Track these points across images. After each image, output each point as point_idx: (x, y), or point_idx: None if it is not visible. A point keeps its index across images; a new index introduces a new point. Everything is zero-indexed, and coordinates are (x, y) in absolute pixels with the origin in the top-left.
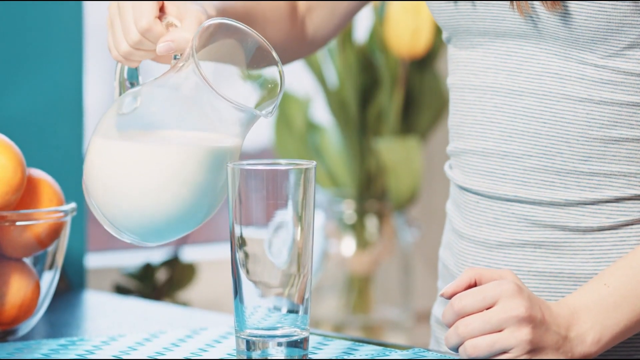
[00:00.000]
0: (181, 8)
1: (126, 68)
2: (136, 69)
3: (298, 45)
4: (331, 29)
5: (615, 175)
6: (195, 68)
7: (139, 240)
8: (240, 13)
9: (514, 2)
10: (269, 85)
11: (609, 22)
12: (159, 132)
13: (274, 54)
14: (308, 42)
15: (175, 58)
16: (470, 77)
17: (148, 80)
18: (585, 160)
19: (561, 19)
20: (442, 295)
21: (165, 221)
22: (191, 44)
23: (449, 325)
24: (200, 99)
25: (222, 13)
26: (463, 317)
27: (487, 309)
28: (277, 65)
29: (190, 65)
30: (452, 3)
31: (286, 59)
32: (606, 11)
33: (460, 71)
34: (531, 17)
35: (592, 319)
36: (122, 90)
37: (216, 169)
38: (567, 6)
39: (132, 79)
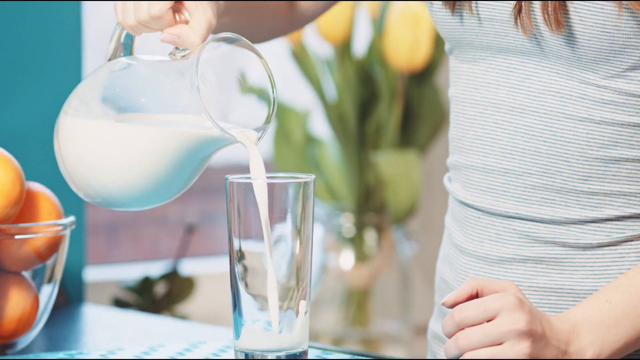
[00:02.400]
0: (197, 5)
1: (125, 32)
2: (134, 36)
3: (287, 25)
4: (317, 11)
5: (616, 194)
6: (195, 80)
7: (108, 206)
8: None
9: (518, 21)
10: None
11: (612, 44)
12: (143, 112)
13: (272, 80)
14: (295, 22)
15: (176, 48)
16: (471, 91)
17: (142, 57)
18: (585, 180)
19: (564, 39)
20: (442, 305)
21: (138, 195)
22: (196, 60)
23: (449, 336)
24: (189, 96)
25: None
26: (463, 328)
27: (488, 321)
28: (272, 91)
29: (191, 71)
30: (457, 16)
31: (272, 37)
32: (609, 32)
33: (462, 84)
34: (534, 35)
35: (592, 334)
36: (116, 53)
37: (195, 152)
38: (570, 27)
39: (127, 44)
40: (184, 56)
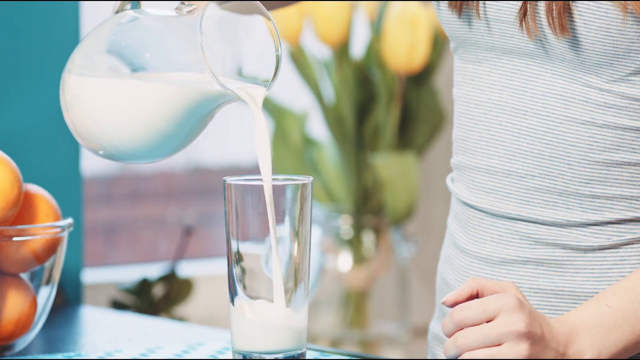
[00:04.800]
0: None
1: None
2: None
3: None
4: None
5: (617, 198)
6: (198, 37)
7: (113, 159)
8: None
9: (523, 24)
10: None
11: (616, 48)
12: (148, 68)
13: (276, 37)
14: None
15: (182, 3)
16: (476, 92)
17: (149, 11)
18: (587, 183)
19: (568, 42)
20: (442, 303)
21: (143, 149)
22: (201, 16)
23: (448, 336)
24: (194, 53)
25: None
26: (462, 328)
27: (488, 321)
28: (276, 49)
29: (195, 28)
30: (464, 17)
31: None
32: (613, 36)
33: (466, 85)
34: (539, 38)
35: (591, 338)
36: (123, 7)
37: (200, 107)
38: (574, 30)
39: None
40: (189, 11)
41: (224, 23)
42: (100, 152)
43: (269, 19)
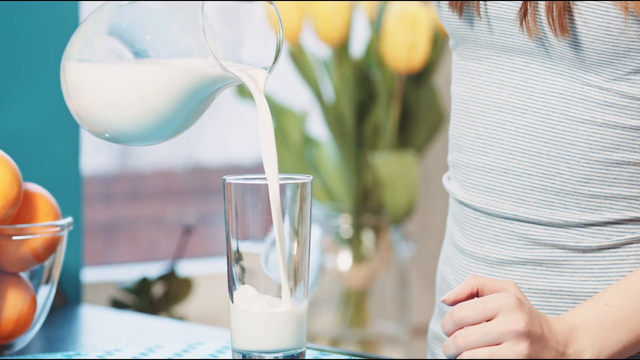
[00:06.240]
0: None
1: None
2: None
3: None
4: None
5: (616, 197)
6: (200, 21)
7: (114, 142)
8: None
9: (523, 23)
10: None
11: (616, 47)
12: (149, 51)
13: (277, 20)
14: None
15: None
16: (475, 89)
17: None
18: (586, 182)
19: (569, 41)
20: (442, 302)
21: (144, 132)
22: (202, 2)
23: (448, 335)
24: (196, 36)
25: None
26: (462, 327)
27: (487, 320)
28: (277, 32)
29: (197, 11)
30: (465, 15)
31: None
32: (613, 35)
33: (465, 82)
34: (539, 37)
35: (591, 337)
36: None
37: (202, 90)
38: (575, 29)
39: None
40: None
41: (225, 6)
42: (106, 135)
43: (270, 2)
